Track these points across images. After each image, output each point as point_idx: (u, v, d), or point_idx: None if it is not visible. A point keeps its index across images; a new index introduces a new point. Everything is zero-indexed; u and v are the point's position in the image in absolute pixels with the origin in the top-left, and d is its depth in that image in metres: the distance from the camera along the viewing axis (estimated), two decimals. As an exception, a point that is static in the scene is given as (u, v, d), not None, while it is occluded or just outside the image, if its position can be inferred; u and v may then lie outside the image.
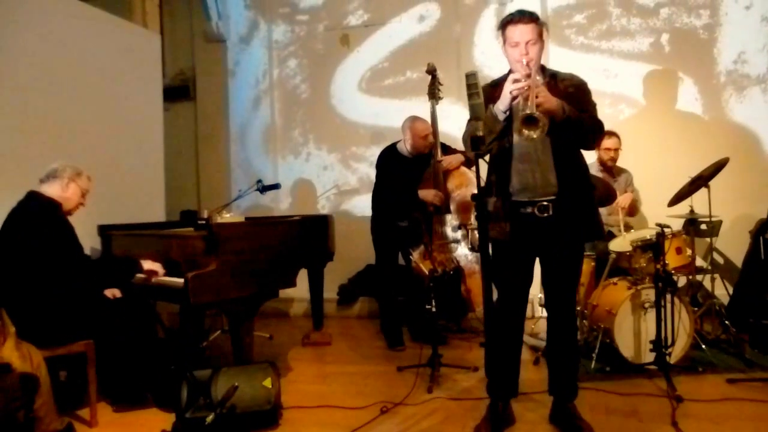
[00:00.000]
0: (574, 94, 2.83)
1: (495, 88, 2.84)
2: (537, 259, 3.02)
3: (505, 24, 2.85)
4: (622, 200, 4.67)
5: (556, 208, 2.83)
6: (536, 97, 2.59)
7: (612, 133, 4.80)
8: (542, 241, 2.89)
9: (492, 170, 2.96)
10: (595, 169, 4.74)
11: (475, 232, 4.31)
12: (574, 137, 2.83)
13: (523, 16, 2.79)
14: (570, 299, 3.03)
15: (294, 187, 6.55)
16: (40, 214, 3.23)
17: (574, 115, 2.74)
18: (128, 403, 3.52)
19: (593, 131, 2.89)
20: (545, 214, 2.84)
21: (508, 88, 2.68)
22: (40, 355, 2.88)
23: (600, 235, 3.07)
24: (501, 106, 2.72)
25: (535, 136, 2.55)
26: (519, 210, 2.86)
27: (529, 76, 2.65)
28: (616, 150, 4.83)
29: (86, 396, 3.29)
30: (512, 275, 2.96)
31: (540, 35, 2.81)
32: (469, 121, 2.94)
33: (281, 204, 6.54)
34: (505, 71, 2.94)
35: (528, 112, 2.54)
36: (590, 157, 4.86)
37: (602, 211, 4.69)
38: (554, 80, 2.86)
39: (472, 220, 4.46)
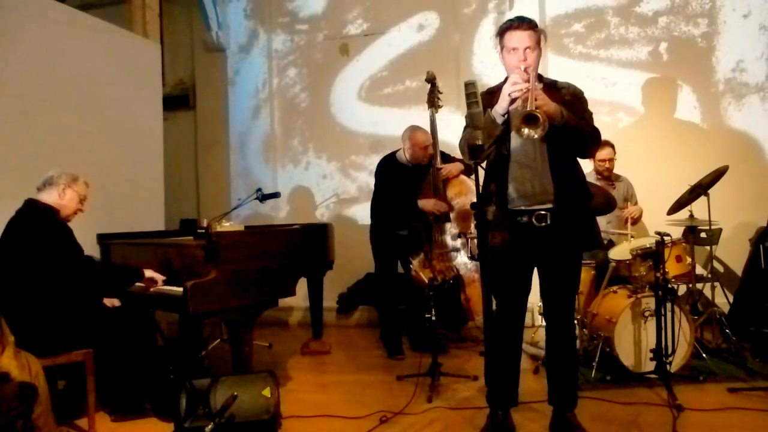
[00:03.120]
0: (571, 102, 2.82)
1: (492, 95, 2.85)
2: (535, 268, 3.01)
3: (503, 30, 2.85)
4: (634, 211, 4.70)
5: (554, 217, 2.82)
6: (535, 99, 2.59)
7: (606, 143, 4.78)
8: (540, 250, 2.88)
9: (489, 178, 2.96)
10: (592, 178, 4.74)
11: (475, 240, 4.31)
12: (571, 144, 2.83)
13: (522, 23, 2.80)
14: (569, 308, 3.02)
15: (294, 195, 6.55)
16: (38, 221, 3.23)
17: (572, 121, 2.74)
18: (127, 412, 3.50)
19: (591, 139, 2.87)
20: (543, 224, 2.82)
21: (507, 90, 2.68)
22: (39, 365, 2.87)
23: (598, 244, 3.06)
24: (499, 109, 2.72)
25: (536, 135, 2.54)
26: (516, 219, 2.85)
27: (528, 80, 2.65)
28: (611, 160, 4.84)
29: (85, 405, 3.27)
30: (510, 284, 2.95)
31: (538, 42, 2.82)
32: (466, 128, 2.95)
33: (281, 212, 6.54)
34: (503, 80, 2.96)
35: (528, 110, 2.54)
36: (587, 166, 4.89)
37: (602, 219, 4.74)
38: (552, 88, 2.86)
39: (472, 228, 4.46)
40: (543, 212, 2.83)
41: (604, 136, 4.88)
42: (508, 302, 2.98)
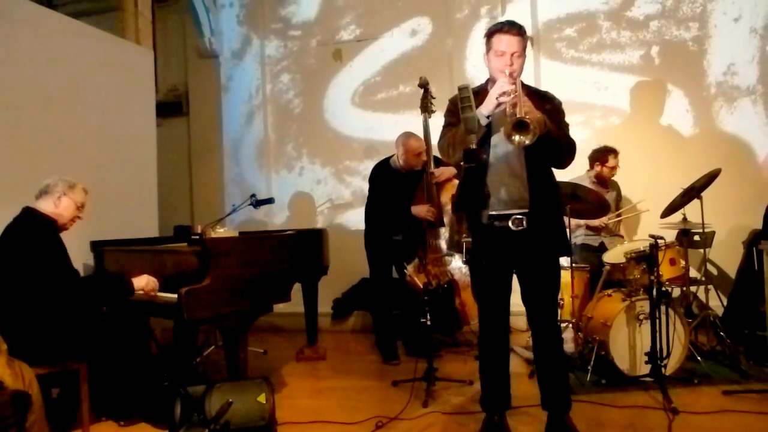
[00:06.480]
0: (550, 112, 2.83)
1: (475, 95, 2.86)
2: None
3: (493, 32, 2.86)
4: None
5: (530, 221, 2.84)
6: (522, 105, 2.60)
7: (617, 152, 4.92)
8: (517, 254, 2.89)
9: (466, 182, 2.96)
10: (588, 183, 4.78)
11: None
12: (549, 154, 2.85)
13: (513, 28, 2.81)
14: (551, 313, 3.03)
15: (288, 201, 6.55)
16: (31, 232, 3.20)
17: (554, 131, 2.76)
18: (121, 419, 3.48)
19: (569, 151, 2.91)
20: (519, 228, 2.84)
21: (495, 93, 2.69)
22: (32, 373, 2.85)
23: (568, 251, 3.06)
24: (484, 110, 2.72)
25: (527, 141, 2.56)
26: (493, 223, 2.86)
27: (514, 86, 2.67)
28: (616, 167, 4.96)
29: (79, 413, 3.25)
30: (490, 288, 2.97)
31: (524, 49, 2.85)
32: (445, 127, 2.95)
33: (275, 218, 6.53)
34: (485, 81, 2.99)
35: (519, 116, 2.54)
36: (585, 169, 4.96)
37: (597, 222, 4.79)
38: (534, 96, 2.86)
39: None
40: (519, 216, 2.85)
41: (601, 141, 5.02)
42: (490, 306, 3.00)
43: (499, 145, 2.85)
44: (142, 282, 3.41)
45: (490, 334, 3.03)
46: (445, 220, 4.62)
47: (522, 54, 2.83)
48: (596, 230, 4.93)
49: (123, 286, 3.38)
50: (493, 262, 2.91)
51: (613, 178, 5.08)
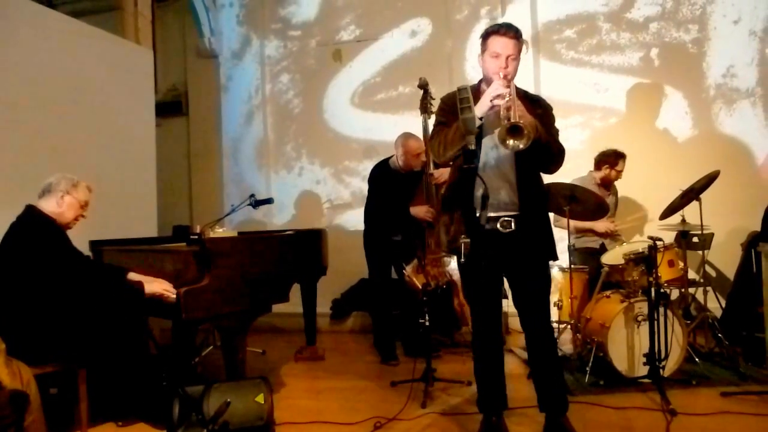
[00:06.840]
0: (541, 116, 2.83)
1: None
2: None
3: (489, 34, 2.85)
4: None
5: (518, 224, 2.86)
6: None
7: (626, 156, 4.91)
8: (506, 256, 2.89)
9: (461, 182, 2.96)
10: (592, 185, 4.77)
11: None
12: (539, 159, 2.85)
13: (509, 30, 2.80)
14: (543, 316, 3.01)
15: (294, 201, 6.55)
16: (31, 231, 3.19)
17: (545, 137, 2.76)
18: (120, 419, 3.48)
19: (558, 157, 2.91)
20: (508, 230, 2.85)
21: (490, 95, 2.69)
22: (30, 372, 2.85)
23: (554, 256, 3.05)
24: (477, 111, 2.70)
25: (521, 146, 2.55)
26: (484, 225, 2.86)
27: (508, 89, 2.67)
28: (622, 171, 4.95)
29: (77, 414, 3.25)
30: (481, 289, 2.97)
31: (519, 52, 2.84)
32: (437, 126, 2.95)
33: (274, 218, 6.53)
34: (477, 82, 3.00)
35: (513, 121, 2.54)
36: (588, 170, 4.96)
37: (604, 229, 4.79)
38: (525, 100, 2.85)
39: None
40: (508, 218, 2.86)
41: (600, 143, 5.02)
42: (483, 308, 3.00)
43: (490, 148, 2.86)
44: (155, 288, 3.32)
45: (483, 335, 3.03)
46: (444, 221, 4.62)
47: (517, 57, 2.82)
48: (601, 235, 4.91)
49: (137, 295, 3.31)
50: (487, 264, 2.90)
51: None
